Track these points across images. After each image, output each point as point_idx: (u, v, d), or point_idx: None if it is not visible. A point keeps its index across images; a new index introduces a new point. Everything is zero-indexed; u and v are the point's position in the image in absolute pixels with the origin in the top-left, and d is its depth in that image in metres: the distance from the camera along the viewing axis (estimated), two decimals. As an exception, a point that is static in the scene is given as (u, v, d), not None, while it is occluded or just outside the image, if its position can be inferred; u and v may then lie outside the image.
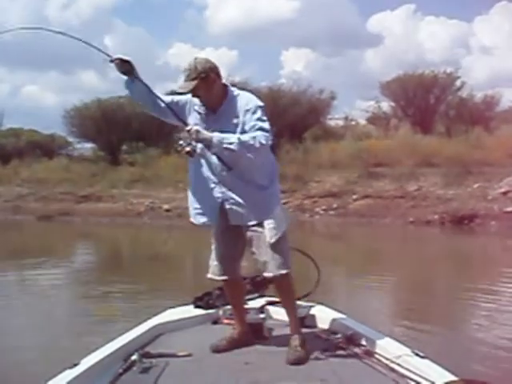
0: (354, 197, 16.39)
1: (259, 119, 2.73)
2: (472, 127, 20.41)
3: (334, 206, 16.28)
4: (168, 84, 56.75)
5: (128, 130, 24.53)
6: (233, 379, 2.55)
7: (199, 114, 2.89)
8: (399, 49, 46.56)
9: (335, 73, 43.60)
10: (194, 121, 2.86)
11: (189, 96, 2.89)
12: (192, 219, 3.00)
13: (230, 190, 2.82)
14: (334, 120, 25.57)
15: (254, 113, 2.75)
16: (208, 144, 2.69)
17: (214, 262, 3.01)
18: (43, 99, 49.51)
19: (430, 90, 23.19)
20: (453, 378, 2.30)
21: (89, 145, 26.71)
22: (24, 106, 45.13)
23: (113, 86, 48.59)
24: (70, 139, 26.98)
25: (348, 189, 16.82)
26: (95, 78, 51.17)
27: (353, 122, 26.40)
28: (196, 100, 2.87)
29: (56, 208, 18.39)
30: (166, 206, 17.50)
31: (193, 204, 3.00)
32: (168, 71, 49.31)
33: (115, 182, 19.98)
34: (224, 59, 46.38)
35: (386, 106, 25.64)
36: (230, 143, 2.65)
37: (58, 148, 26.99)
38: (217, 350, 2.90)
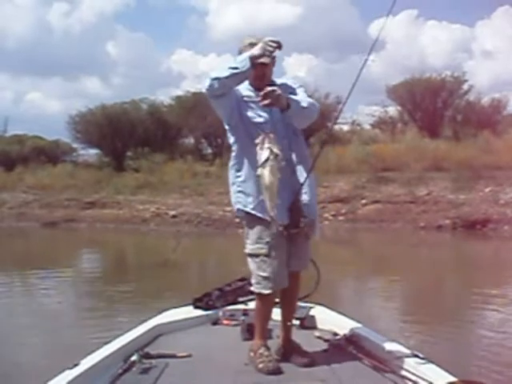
0: (363, 202, 16.19)
1: (307, 96, 2.87)
2: (480, 131, 20.23)
3: (343, 211, 16.07)
4: (171, 90, 57.09)
5: (133, 135, 24.51)
6: (232, 380, 2.55)
7: (251, 102, 2.80)
8: (401, 54, 46.42)
9: (338, 78, 43.51)
10: (247, 110, 2.79)
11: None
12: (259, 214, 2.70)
13: (299, 186, 2.74)
14: (340, 125, 25.39)
15: (300, 88, 2.91)
16: (285, 106, 2.67)
17: (264, 273, 2.72)
18: (47, 106, 49.68)
19: (438, 93, 23.03)
20: (452, 378, 2.29)
21: (93, 151, 26.70)
22: (28, 113, 45.32)
23: (116, 91, 48.84)
24: (75, 145, 27.02)
25: (356, 194, 16.63)
26: (98, 84, 51.37)
27: (358, 127, 26.26)
28: (243, 90, 2.81)
29: (61, 215, 18.23)
30: (172, 213, 17.32)
31: (255, 202, 2.72)
32: (171, 77, 49.47)
33: (120, 188, 19.82)
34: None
35: (393, 110, 25.53)
36: (303, 104, 2.74)
37: (63, 154, 26.93)
38: (273, 372, 2.64)
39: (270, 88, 2.63)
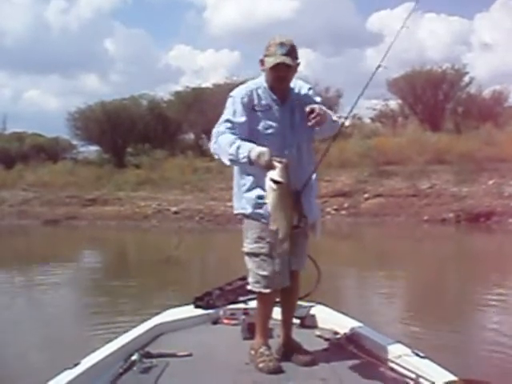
0: (366, 196, 16.12)
1: (321, 103, 2.72)
2: (482, 123, 20.11)
3: (345, 205, 16.00)
4: (170, 85, 56.87)
5: (133, 131, 24.43)
6: (233, 379, 2.55)
7: (266, 109, 2.65)
8: (400, 47, 46.16)
9: (335, 72, 43.41)
10: (257, 122, 2.63)
11: (241, 100, 2.64)
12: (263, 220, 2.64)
13: (302, 188, 2.66)
14: (341, 119, 25.22)
15: (315, 97, 2.77)
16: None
17: (264, 272, 2.67)
18: (45, 103, 49.57)
19: (439, 86, 22.89)
20: (453, 377, 2.29)
21: (93, 147, 26.61)
22: (27, 111, 45.22)
23: (114, 88, 48.71)
24: (75, 142, 26.92)
25: (359, 188, 16.55)
26: (96, 81, 51.22)
27: (359, 121, 26.09)
28: (256, 96, 2.64)
29: (62, 212, 18.16)
30: (174, 209, 17.26)
31: (256, 201, 2.66)
32: (169, 73, 49.32)
33: (121, 184, 19.76)
34: (226, 60, 46.21)
35: (393, 103, 25.40)
36: (333, 118, 2.73)
37: (63, 151, 26.83)
38: (274, 371, 2.61)
39: (320, 109, 2.50)
